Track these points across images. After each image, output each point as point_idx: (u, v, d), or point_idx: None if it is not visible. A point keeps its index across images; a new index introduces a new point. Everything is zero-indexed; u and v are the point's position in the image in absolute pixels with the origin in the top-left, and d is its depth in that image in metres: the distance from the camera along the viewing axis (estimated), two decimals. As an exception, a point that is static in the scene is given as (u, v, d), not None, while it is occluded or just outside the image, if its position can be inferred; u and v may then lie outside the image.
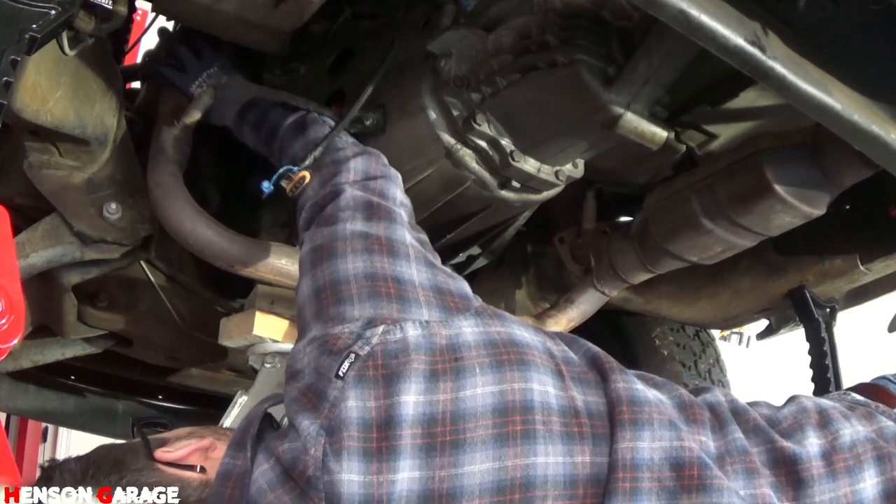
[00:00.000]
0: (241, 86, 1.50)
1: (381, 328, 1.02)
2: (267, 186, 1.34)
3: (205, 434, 1.13)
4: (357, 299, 1.06)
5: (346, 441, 0.94)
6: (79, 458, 1.08)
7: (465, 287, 1.14)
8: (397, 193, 1.25)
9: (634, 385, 1.06)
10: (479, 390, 0.99)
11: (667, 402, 1.09)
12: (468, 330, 1.05)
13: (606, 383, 1.06)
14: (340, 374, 0.98)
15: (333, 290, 1.09)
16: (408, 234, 1.17)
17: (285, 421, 1.04)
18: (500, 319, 1.09)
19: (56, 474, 1.05)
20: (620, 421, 1.02)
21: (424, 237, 1.22)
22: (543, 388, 1.02)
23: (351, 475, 0.93)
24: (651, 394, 1.07)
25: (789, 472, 1.08)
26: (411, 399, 0.97)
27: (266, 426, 1.08)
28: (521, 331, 1.09)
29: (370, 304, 1.06)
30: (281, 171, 1.32)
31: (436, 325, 1.04)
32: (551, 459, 0.99)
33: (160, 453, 1.08)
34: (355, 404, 0.96)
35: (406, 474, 0.95)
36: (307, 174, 1.30)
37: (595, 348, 1.14)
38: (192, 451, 1.08)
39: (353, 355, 0.99)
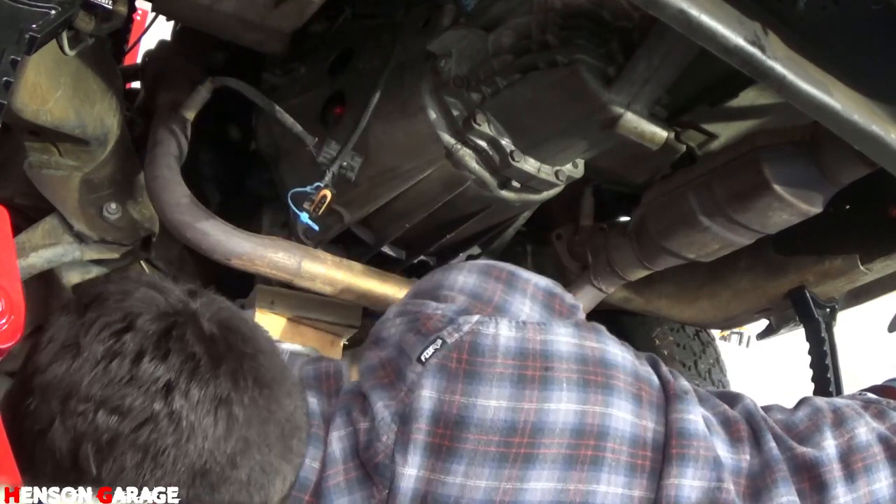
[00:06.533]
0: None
1: (475, 317, 0.99)
2: (304, 217, 1.40)
3: None
4: (467, 270, 1.04)
5: (414, 433, 0.93)
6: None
7: (577, 303, 1.12)
8: None
9: (687, 415, 1.05)
10: (563, 406, 0.97)
11: (713, 421, 1.09)
12: (563, 339, 1.02)
13: (667, 413, 1.06)
14: (423, 358, 0.96)
15: (445, 268, 1.08)
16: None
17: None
18: (597, 334, 1.07)
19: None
20: (669, 455, 1.02)
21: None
22: (622, 414, 1.01)
23: (412, 469, 0.92)
24: (701, 425, 1.06)
25: (811, 476, 1.08)
26: (492, 403, 0.94)
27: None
28: (614, 349, 1.07)
29: (477, 276, 1.03)
30: (300, 190, 1.32)
31: (532, 329, 1.01)
32: (612, 490, 0.98)
33: None
34: (430, 394, 0.94)
35: (460, 479, 0.92)
36: (328, 192, 1.30)
37: (666, 373, 1.12)
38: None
39: (439, 341, 0.97)
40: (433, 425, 0.93)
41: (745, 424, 1.10)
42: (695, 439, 1.04)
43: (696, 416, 1.06)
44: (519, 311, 1.03)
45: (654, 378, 1.09)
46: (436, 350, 0.96)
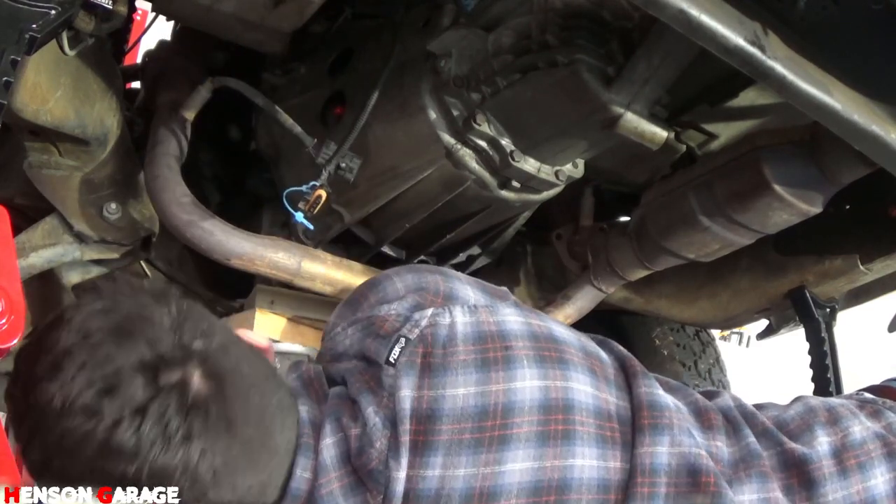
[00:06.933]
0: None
1: (429, 311, 0.99)
2: (299, 216, 1.41)
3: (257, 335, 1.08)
4: (399, 276, 1.04)
5: (401, 436, 0.93)
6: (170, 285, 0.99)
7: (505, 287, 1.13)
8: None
9: (656, 390, 1.06)
10: (528, 383, 0.98)
11: (683, 409, 1.09)
12: (512, 318, 1.03)
13: (631, 388, 1.06)
14: (391, 359, 0.96)
15: (377, 278, 1.07)
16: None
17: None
18: (537, 314, 1.08)
19: (169, 298, 0.90)
20: (640, 426, 1.02)
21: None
22: (582, 387, 1.01)
23: (401, 472, 0.92)
24: (670, 399, 1.07)
25: (800, 472, 1.08)
26: (460, 391, 0.95)
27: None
28: (558, 327, 1.08)
29: (412, 276, 1.03)
30: (295, 189, 1.33)
31: (483, 311, 1.02)
32: (587, 462, 0.98)
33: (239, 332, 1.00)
34: (407, 394, 0.94)
35: (439, 471, 0.93)
36: (323, 192, 1.30)
37: (623, 351, 1.13)
38: (267, 348, 1.03)
39: (402, 339, 0.97)
40: (413, 423, 0.94)
41: (720, 416, 1.10)
42: (667, 410, 1.04)
43: (663, 393, 1.06)
44: (466, 295, 1.04)
45: (604, 354, 1.09)
46: (402, 349, 0.96)
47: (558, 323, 1.10)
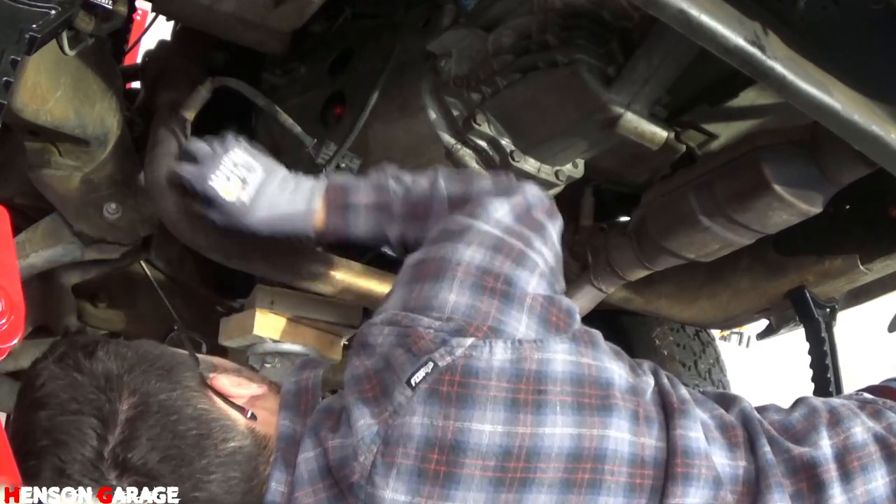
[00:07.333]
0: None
1: (469, 340, 0.95)
2: None
3: (254, 379, 1.06)
4: (459, 285, 0.98)
5: (399, 457, 0.91)
6: (127, 345, 1.00)
7: (573, 306, 1.07)
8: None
9: (689, 433, 1.05)
10: (559, 430, 0.96)
11: (710, 424, 1.09)
12: (560, 357, 0.99)
13: (669, 429, 1.05)
14: (413, 382, 0.93)
15: (439, 265, 1.00)
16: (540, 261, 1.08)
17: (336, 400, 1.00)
18: (594, 349, 1.04)
19: (103, 353, 0.97)
20: (672, 474, 1.01)
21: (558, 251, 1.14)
22: (620, 434, 1.00)
23: (396, 494, 0.91)
24: (703, 444, 1.06)
25: (809, 476, 1.08)
26: (487, 428, 0.92)
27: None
28: (610, 364, 1.04)
29: (470, 294, 0.98)
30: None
31: (528, 348, 0.97)
32: None
33: (217, 382, 1.00)
34: (421, 421, 0.92)
35: None
36: None
37: (665, 385, 1.10)
38: (251, 396, 1.02)
39: (431, 364, 0.93)
40: (427, 451, 0.91)
41: (742, 430, 1.10)
42: (697, 458, 1.03)
43: (697, 433, 1.05)
44: (515, 329, 0.98)
45: (649, 388, 1.07)
46: (426, 374, 0.93)
47: (613, 356, 1.06)
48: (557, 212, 1.19)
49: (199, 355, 1.05)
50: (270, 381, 1.09)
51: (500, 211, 1.09)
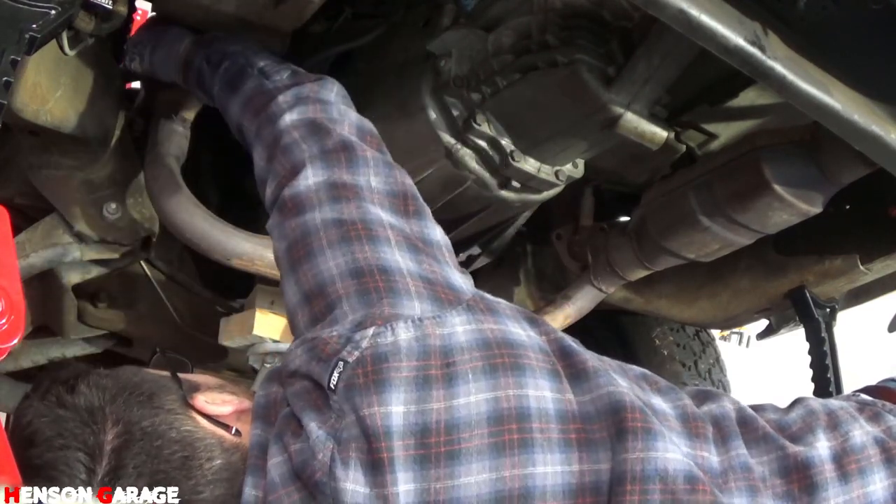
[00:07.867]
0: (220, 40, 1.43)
1: (371, 330, 0.97)
2: None
3: (238, 393, 1.08)
4: (346, 300, 1.01)
5: (352, 452, 0.92)
6: (107, 375, 1.02)
7: (452, 275, 1.07)
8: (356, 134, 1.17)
9: (621, 388, 1.02)
10: (473, 398, 0.96)
11: (670, 413, 1.06)
12: (460, 328, 1.00)
13: (599, 387, 1.02)
14: (332, 385, 0.95)
15: (321, 294, 1.03)
16: (382, 213, 1.09)
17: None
18: (494, 315, 1.04)
19: (84, 386, 1.00)
20: (633, 429, 0.98)
21: (401, 187, 1.14)
22: (540, 392, 0.99)
23: (356, 486, 0.92)
24: (656, 400, 1.05)
25: (802, 477, 1.06)
26: (401, 409, 0.94)
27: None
28: (515, 327, 1.04)
29: (360, 302, 1.00)
30: None
31: (429, 324, 0.99)
32: (550, 469, 0.96)
33: (199, 402, 1.03)
34: (352, 419, 0.93)
35: (403, 487, 0.92)
36: None
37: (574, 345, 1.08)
38: (234, 410, 1.04)
39: (341, 363, 0.95)
40: (371, 443, 0.93)
41: (710, 426, 1.07)
42: (658, 413, 1.02)
43: (629, 389, 1.03)
44: (412, 309, 0.99)
45: (568, 342, 1.05)
46: (339, 374, 0.95)
47: (515, 319, 1.06)
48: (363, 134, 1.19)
49: (182, 375, 1.07)
50: (255, 392, 1.11)
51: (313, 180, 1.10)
